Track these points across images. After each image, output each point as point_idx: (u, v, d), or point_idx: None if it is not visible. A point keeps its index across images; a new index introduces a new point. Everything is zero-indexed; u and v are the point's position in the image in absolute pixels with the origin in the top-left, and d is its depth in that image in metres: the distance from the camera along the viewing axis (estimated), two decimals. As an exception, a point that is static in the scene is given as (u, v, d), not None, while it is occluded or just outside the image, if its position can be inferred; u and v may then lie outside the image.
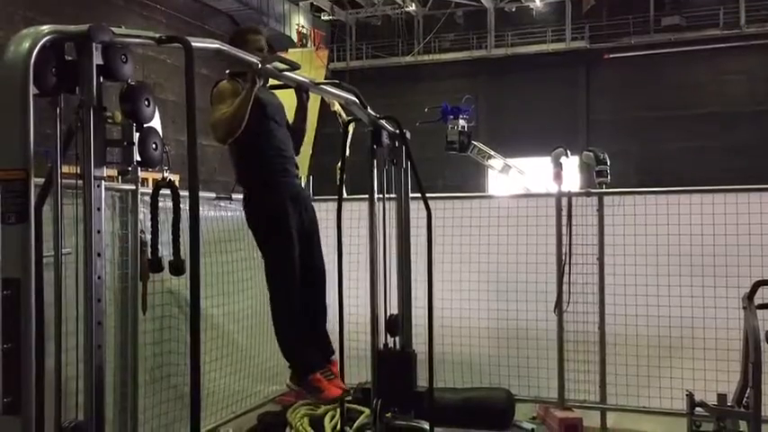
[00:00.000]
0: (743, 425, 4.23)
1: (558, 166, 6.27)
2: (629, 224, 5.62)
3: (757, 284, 4.09)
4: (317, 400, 3.97)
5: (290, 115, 4.18)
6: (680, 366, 5.41)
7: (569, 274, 5.69)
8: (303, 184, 4.81)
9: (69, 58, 2.27)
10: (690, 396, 4.33)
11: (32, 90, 2.08)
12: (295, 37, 26.34)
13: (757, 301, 4.07)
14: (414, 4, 27.21)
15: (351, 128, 5.04)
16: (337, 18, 28.49)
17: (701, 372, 5.29)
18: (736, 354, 4.68)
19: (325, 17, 28.50)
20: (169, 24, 21.21)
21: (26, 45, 2.08)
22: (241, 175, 3.95)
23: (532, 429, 5.63)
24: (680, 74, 24.37)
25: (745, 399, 4.15)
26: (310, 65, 22.45)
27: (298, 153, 4.17)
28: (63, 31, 2.20)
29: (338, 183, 4.62)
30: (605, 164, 7.11)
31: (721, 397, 4.31)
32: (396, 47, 27.82)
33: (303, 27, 26.91)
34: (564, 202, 5.78)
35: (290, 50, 23.74)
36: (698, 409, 4.28)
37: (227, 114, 3.53)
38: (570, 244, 5.71)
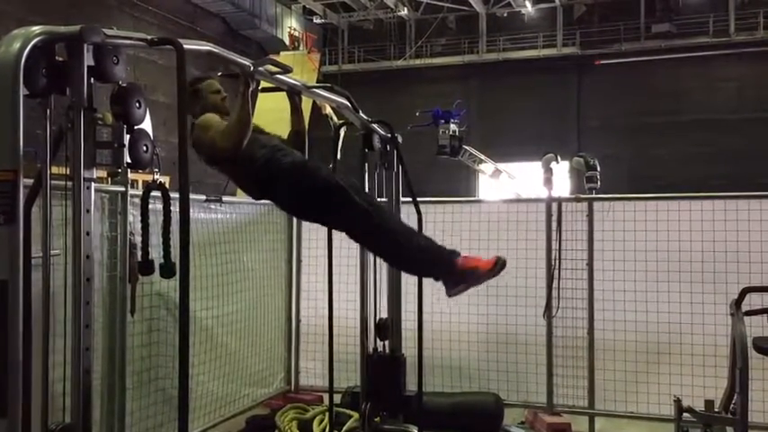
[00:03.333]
0: (730, 431, 4.25)
1: (549, 171, 6.29)
2: (619, 230, 5.64)
3: (745, 291, 4.11)
4: (480, 279, 3.51)
5: (282, 123, 4.15)
6: (668, 372, 5.44)
7: (559, 279, 5.71)
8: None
9: (60, 59, 2.26)
10: (677, 402, 4.34)
11: (22, 91, 2.07)
12: (287, 40, 26.34)
13: (745, 307, 4.09)
14: (406, 9, 27.28)
15: (342, 131, 5.04)
16: (329, 21, 28.52)
17: (689, 377, 5.32)
18: (723, 360, 4.71)
19: (317, 20, 28.52)
20: (161, 26, 21.16)
21: (16, 46, 2.08)
22: (263, 184, 3.60)
23: (521, 434, 5.64)
24: (670, 80, 24.54)
25: (732, 405, 4.17)
26: (302, 68, 22.47)
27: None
28: (54, 32, 2.19)
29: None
30: (595, 169, 7.15)
31: (708, 403, 4.33)
32: (388, 51, 27.87)
33: (295, 30, 26.91)
34: (554, 207, 5.80)
35: (282, 53, 23.76)
36: (685, 414, 4.29)
37: (232, 120, 3.38)
38: (560, 249, 5.72)
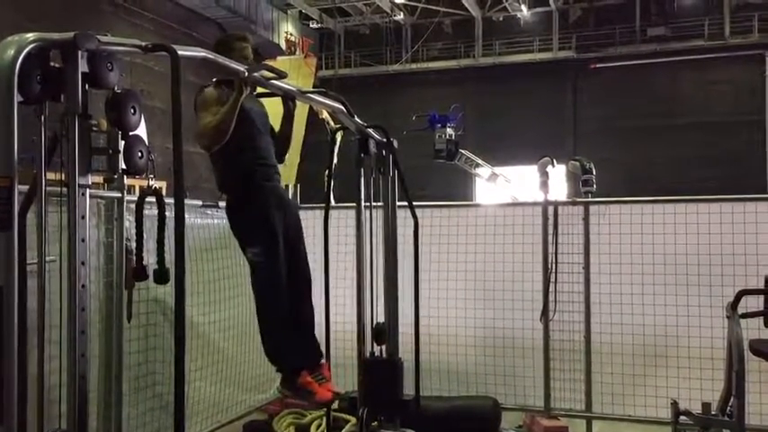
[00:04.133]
0: (727, 433, 4.25)
1: (545, 175, 6.30)
2: (615, 233, 5.65)
3: (741, 293, 4.12)
4: (308, 403, 3.90)
5: (277, 123, 4.18)
6: (665, 375, 5.44)
7: (555, 282, 5.71)
8: (290, 194, 4.80)
9: (55, 65, 2.26)
10: (674, 404, 4.35)
11: (17, 98, 2.07)
12: (284, 45, 26.35)
13: (741, 309, 4.10)
14: (402, 13, 27.31)
15: (339, 136, 5.05)
16: (326, 26, 28.53)
17: (686, 380, 5.32)
18: (720, 362, 4.72)
19: (313, 25, 28.53)
20: (157, 31, 21.15)
21: (11, 52, 2.07)
22: (224, 183, 3.92)
23: (518, 438, 5.64)
24: (666, 84, 24.61)
25: (728, 407, 4.17)
26: (299, 72, 22.45)
27: (281, 161, 4.16)
28: (48, 39, 2.19)
29: (325, 191, 4.61)
30: (591, 173, 7.16)
31: (705, 405, 4.33)
32: (384, 55, 27.90)
33: (292, 35, 26.93)
34: (550, 210, 5.81)
35: (278, 58, 23.75)
36: (682, 417, 4.30)
37: (212, 123, 3.52)
38: (556, 253, 5.73)
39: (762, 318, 4.22)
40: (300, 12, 27.54)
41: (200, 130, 3.56)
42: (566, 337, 5.72)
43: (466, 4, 25.97)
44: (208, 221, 5.33)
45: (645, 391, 5.50)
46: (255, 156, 3.84)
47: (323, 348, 4.30)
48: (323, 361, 4.05)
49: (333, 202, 5.88)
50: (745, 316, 4.10)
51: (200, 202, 5.26)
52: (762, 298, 4.27)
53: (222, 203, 5.54)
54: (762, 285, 4.29)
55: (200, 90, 3.72)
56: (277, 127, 4.13)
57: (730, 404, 4.13)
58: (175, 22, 22.54)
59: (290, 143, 4.12)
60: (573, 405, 5.72)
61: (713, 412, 4.29)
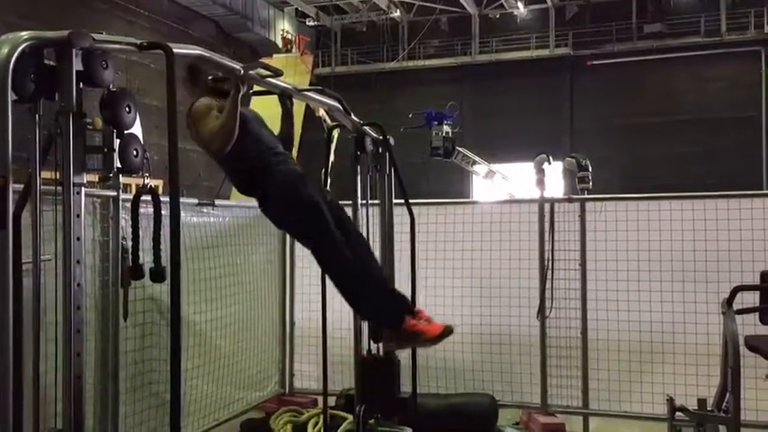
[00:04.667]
0: (722, 429, 4.26)
1: (541, 172, 6.30)
2: (611, 230, 5.65)
3: (736, 290, 4.12)
4: (423, 344, 3.65)
5: (275, 124, 4.16)
6: (661, 371, 5.45)
7: (552, 279, 5.72)
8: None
9: (50, 63, 2.26)
10: (670, 401, 4.35)
11: (11, 96, 2.07)
12: (280, 42, 26.33)
13: (736, 306, 4.10)
14: (398, 11, 27.30)
15: (335, 133, 5.05)
16: (322, 24, 28.52)
17: (682, 376, 5.34)
18: (716, 359, 4.72)
19: (310, 23, 28.52)
20: (153, 29, 21.13)
21: (4, 51, 2.07)
22: (241, 183, 3.76)
23: (515, 435, 5.65)
24: (662, 81, 24.63)
25: (724, 403, 4.18)
26: (295, 70, 22.50)
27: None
28: (42, 37, 2.19)
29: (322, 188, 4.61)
30: (587, 170, 7.17)
31: (701, 402, 4.34)
32: (381, 53, 27.89)
33: (288, 33, 26.92)
34: (546, 208, 5.81)
35: (275, 56, 23.76)
36: (678, 413, 4.30)
37: (216, 127, 3.45)
38: (553, 250, 5.74)
39: (757, 314, 4.22)
40: (297, 9, 27.53)
41: (207, 136, 3.47)
42: (562, 333, 5.72)
43: (462, 2, 25.98)
44: (204, 220, 5.32)
45: (641, 388, 5.51)
46: (264, 148, 3.73)
47: (319, 347, 4.31)
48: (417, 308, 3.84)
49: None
50: (740, 312, 4.10)
51: (195, 201, 5.25)
52: (757, 294, 4.28)
53: (219, 202, 5.58)
54: (757, 281, 4.30)
55: (191, 104, 3.64)
56: (276, 128, 4.09)
57: (726, 400, 4.14)
58: (172, 19, 22.51)
59: (293, 141, 4.08)
60: (570, 402, 5.72)
61: (709, 408, 4.30)
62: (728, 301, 4.09)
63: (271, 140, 3.81)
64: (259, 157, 3.64)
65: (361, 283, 3.63)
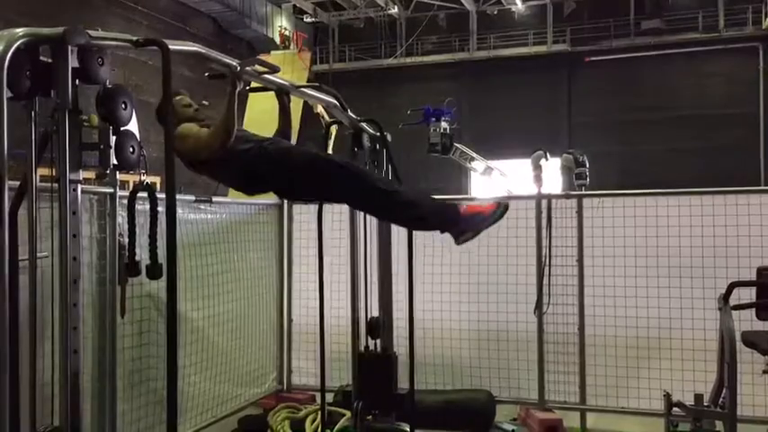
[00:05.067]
0: (719, 425, 4.28)
1: (538, 168, 6.32)
2: (608, 226, 5.66)
3: (732, 285, 4.14)
4: (487, 222, 3.53)
5: (273, 120, 4.15)
6: (658, 367, 5.46)
7: (549, 275, 5.73)
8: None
9: (45, 60, 2.26)
10: (667, 396, 4.36)
11: (6, 93, 2.06)
12: (278, 39, 26.29)
13: (733, 301, 4.12)
14: (396, 7, 27.26)
15: (333, 130, 5.05)
16: (320, 20, 28.48)
17: (679, 372, 5.34)
18: (712, 354, 4.74)
19: (307, 19, 28.47)
20: (151, 26, 21.08)
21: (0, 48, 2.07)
22: (250, 177, 3.61)
23: (513, 430, 5.66)
24: (660, 77, 24.62)
25: (721, 399, 4.20)
26: (293, 67, 22.44)
27: None
28: (38, 34, 2.19)
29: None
30: (584, 166, 7.20)
31: (698, 397, 4.35)
32: (378, 49, 27.86)
33: (286, 29, 26.86)
34: (544, 204, 5.82)
35: (272, 53, 23.71)
36: (675, 409, 4.32)
37: (217, 123, 3.41)
38: (550, 246, 5.74)
39: (754, 309, 4.23)
40: (294, 6, 27.48)
41: (206, 138, 3.40)
42: (560, 329, 5.73)
43: (460, -2, 25.96)
44: (201, 216, 5.32)
45: (638, 384, 5.52)
46: (258, 141, 3.68)
47: (317, 344, 4.31)
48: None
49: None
50: (737, 308, 4.11)
51: (192, 197, 5.25)
52: (754, 290, 4.29)
53: (216, 198, 5.57)
54: (754, 277, 4.31)
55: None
56: (274, 125, 4.07)
57: (722, 395, 4.16)
58: (169, 16, 22.46)
59: (290, 137, 4.07)
60: (567, 397, 5.74)
61: (705, 403, 4.32)
62: (725, 297, 4.10)
63: (254, 136, 3.76)
64: (252, 148, 3.57)
65: (402, 201, 3.49)
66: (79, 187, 2.34)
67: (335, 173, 3.45)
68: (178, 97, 3.74)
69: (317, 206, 4.42)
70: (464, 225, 3.50)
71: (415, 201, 3.53)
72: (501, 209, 3.51)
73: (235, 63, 3.24)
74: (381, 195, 3.47)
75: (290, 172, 3.49)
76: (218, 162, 3.50)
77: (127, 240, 2.71)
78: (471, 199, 3.56)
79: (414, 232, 4.53)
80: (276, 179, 3.58)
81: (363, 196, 3.52)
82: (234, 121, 3.39)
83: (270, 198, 5.91)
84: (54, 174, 2.28)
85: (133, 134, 2.49)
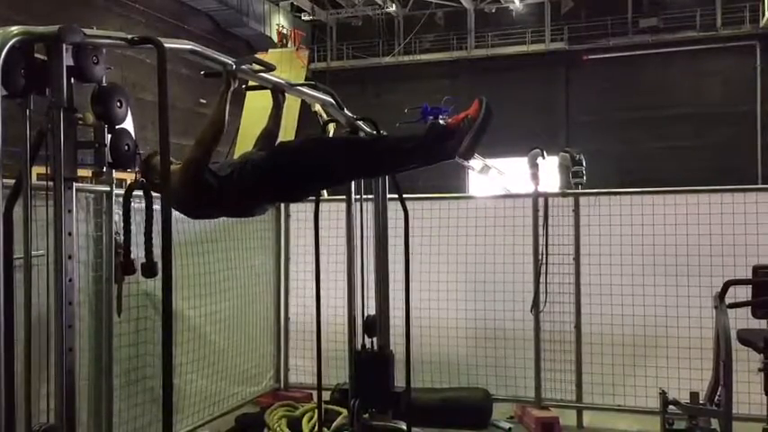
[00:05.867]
0: (714, 422, 4.29)
1: (535, 166, 6.31)
2: (605, 224, 5.67)
3: (728, 284, 4.14)
4: (476, 125, 3.41)
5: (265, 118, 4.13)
6: (654, 365, 5.47)
7: (546, 274, 5.73)
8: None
9: (40, 58, 2.25)
10: (663, 394, 4.38)
11: (1, 91, 2.06)
12: (275, 37, 26.28)
13: (728, 300, 4.12)
14: (394, 5, 27.26)
15: (331, 128, 5.05)
16: (318, 18, 28.48)
17: (675, 370, 5.35)
18: (708, 352, 4.75)
19: (305, 17, 28.47)
20: (148, 24, 21.06)
21: (-6, 46, 2.06)
22: (245, 194, 3.46)
23: (510, 429, 5.66)
24: (658, 75, 24.66)
25: (716, 397, 4.21)
26: (290, 65, 22.39)
27: None
28: (32, 32, 2.18)
29: (316, 184, 4.59)
30: (581, 164, 7.18)
31: (694, 395, 4.37)
32: (376, 47, 27.86)
33: (283, 27, 26.85)
34: (540, 202, 5.82)
35: (270, 51, 23.68)
36: (671, 407, 4.33)
37: (204, 125, 3.31)
38: (547, 244, 5.75)
39: (749, 308, 4.25)
40: (292, 4, 27.49)
41: (196, 142, 3.24)
42: (556, 327, 5.74)
43: (458, -4, 25.96)
44: (198, 215, 5.31)
45: (635, 381, 5.53)
46: (239, 161, 3.61)
47: (314, 342, 4.31)
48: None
49: (324, 195, 5.90)
50: (732, 306, 4.12)
51: (189, 196, 5.23)
52: (749, 288, 4.30)
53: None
54: (750, 276, 4.32)
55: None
56: (263, 124, 4.00)
57: (718, 393, 4.17)
58: (167, 14, 22.45)
59: (276, 139, 3.97)
60: (564, 395, 5.75)
61: (701, 401, 4.33)
62: (721, 296, 4.11)
63: (237, 159, 3.61)
64: (234, 170, 3.37)
65: (391, 149, 3.46)
66: (74, 186, 2.33)
67: (321, 151, 3.44)
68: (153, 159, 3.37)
69: (313, 203, 4.41)
70: (458, 135, 3.31)
71: (399, 139, 3.49)
72: (484, 104, 3.32)
73: (231, 61, 3.24)
74: (367, 149, 3.50)
75: (278, 170, 3.40)
76: (210, 199, 3.38)
77: (123, 239, 2.71)
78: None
79: (411, 233, 4.53)
80: (269, 185, 3.46)
81: (355, 162, 3.46)
82: (222, 122, 3.26)
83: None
84: (49, 172, 2.28)
85: (129, 132, 2.49)
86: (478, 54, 26.69)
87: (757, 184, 20.85)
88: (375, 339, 4.70)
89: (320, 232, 4.34)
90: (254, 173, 3.38)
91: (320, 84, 4.17)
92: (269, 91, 3.85)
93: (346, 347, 4.76)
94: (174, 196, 3.15)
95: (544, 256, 5.74)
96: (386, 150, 3.48)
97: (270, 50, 23.71)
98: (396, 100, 22.37)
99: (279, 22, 26.90)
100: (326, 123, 4.88)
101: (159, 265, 2.38)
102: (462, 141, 3.32)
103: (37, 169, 2.38)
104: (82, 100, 2.40)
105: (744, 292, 4.35)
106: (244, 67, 3.31)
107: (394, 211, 4.62)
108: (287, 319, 6.45)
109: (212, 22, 24.66)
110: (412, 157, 3.46)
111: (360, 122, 4.35)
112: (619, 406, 5.61)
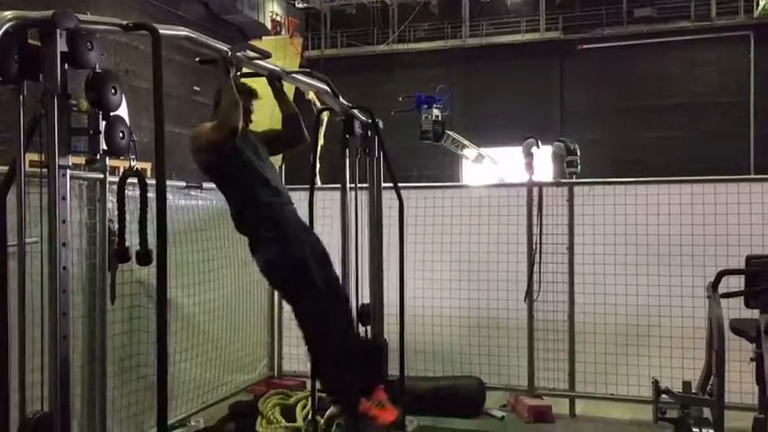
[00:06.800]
0: (707, 412, 4.31)
1: (529, 156, 6.33)
2: (599, 214, 5.68)
3: (721, 274, 4.15)
4: (374, 429, 3.88)
5: (268, 107, 4.11)
6: (647, 354, 5.51)
7: (540, 263, 5.75)
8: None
9: (34, 43, 2.23)
10: (655, 383, 4.39)
11: (-6, 77, 2.04)
12: (269, 24, 26.14)
13: (721, 289, 4.14)
14: (389, -7, 27.15)
15: (324, 116, 5.02)
16: (312, 6, 28.33)
17: (668, 359, 5.39)
18: (701, 342, 4.78)
19: (299, 5, 28.32)
20: (143, 11, 20.91)
21: (-13, 31, 2.04)
22: (240, 225, 3.85)
23: (503, 417, 5.70)
24: (652, 65, 24.66)
25: (709, 386, 4.23)
26: (284, 53, 22.25)
27: (302, 139, 4.02)
28: (26, 17, 2.16)
29: (310, 172, 4.59)
30: (575, 154, 7.21)
31: (686, 384, 4.38)
32: (370, 35, 27.76)
33: (277, 15, 26.71)
34: (535, 192, 5.83)
35: (264, 38, 23.56)
36: (663, 396, 4.35)
37: (220, 110, 3.47)
38: (541, 233, 5.76)
39: (742, 297, 4.26)
40: (286, -9, 27.32)
41: (214, 125, 3.54)
42: (549, 317, 5.77)
43: (453, -16, 25.85)
44: (192, 203, 5.30)
45: (627, 371, 5.56)
46: (265, 189, 3.75)
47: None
48: (380, 386, 3.98)
49: (318, 183, 5.89)
50: (725, 296, 4.13)
51: (183, 183, 5.22)
52: (742, 278, 4.31)
53: (207, 185, 5.54)
54: (742, 265, 4.33)
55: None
56: (267, 111, 4.05)
57: (710, 383, 4.19)
58: (161, 1, 22.27)
59: (298, 118, 4.02)
60: (556, 384, 5.78)
61: (694, 391, 4.35)
62: (714, 285, 4.12)
63: (273, 179, 3.83)
64: (260, 211, 3.74)
65: (327, 360, 3.83)
66: (68, 173, 2.31)
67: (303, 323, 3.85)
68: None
69: (307, 192, 4.40)
70: (353, 414, 3.87)
71: (340, 370, 3.87)
72: (396, 425, 3.92)
73: (225, 48, 3.22)
74: (313, 344, 3.87)
75: (268, 270, 3.84)
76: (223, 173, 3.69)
77: (117, 226, 2.69)
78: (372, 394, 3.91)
79: (405, 221, 4.53)
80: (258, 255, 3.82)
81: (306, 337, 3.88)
82: (237, 104, 3.40)
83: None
84: (43, 159, 2.26)
85: (123, 119, 2.46)
86: (473, 43, 26.63)
87: (750, 173, 20.94)
88: (369, 328, 4.70)
89: (314, 221, 4.33)
90: (267, 259, 3.77)
91: (315, 71, 4.15)
92: (261, 81, 3.86)
93: (340, 336, 4.76)
94: (197, 153, 3.65)
95: (538, 245, 5.76)
96: (327, 361, 3.89)
97: (264, 38, 23.56)
98: (390, 88, 22.35)
99: (273, 9, 26.76)
100: (321, 111, 4.85)
101: (154, 253, 2.36)
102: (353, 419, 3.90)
103: (30, 156, 2.37)
104: (76, 86, 2.38)
105: (737, 282, 4.36)
106: (239, 54, 3.29)
107: (389, 199, 4.61)
108: (281, 307, 6.45)
109: (206, 9, 24.49)
110: (327, 377, 3.96)
111: (355, 111, 4.33)
112: (611, 395, 5.64)
